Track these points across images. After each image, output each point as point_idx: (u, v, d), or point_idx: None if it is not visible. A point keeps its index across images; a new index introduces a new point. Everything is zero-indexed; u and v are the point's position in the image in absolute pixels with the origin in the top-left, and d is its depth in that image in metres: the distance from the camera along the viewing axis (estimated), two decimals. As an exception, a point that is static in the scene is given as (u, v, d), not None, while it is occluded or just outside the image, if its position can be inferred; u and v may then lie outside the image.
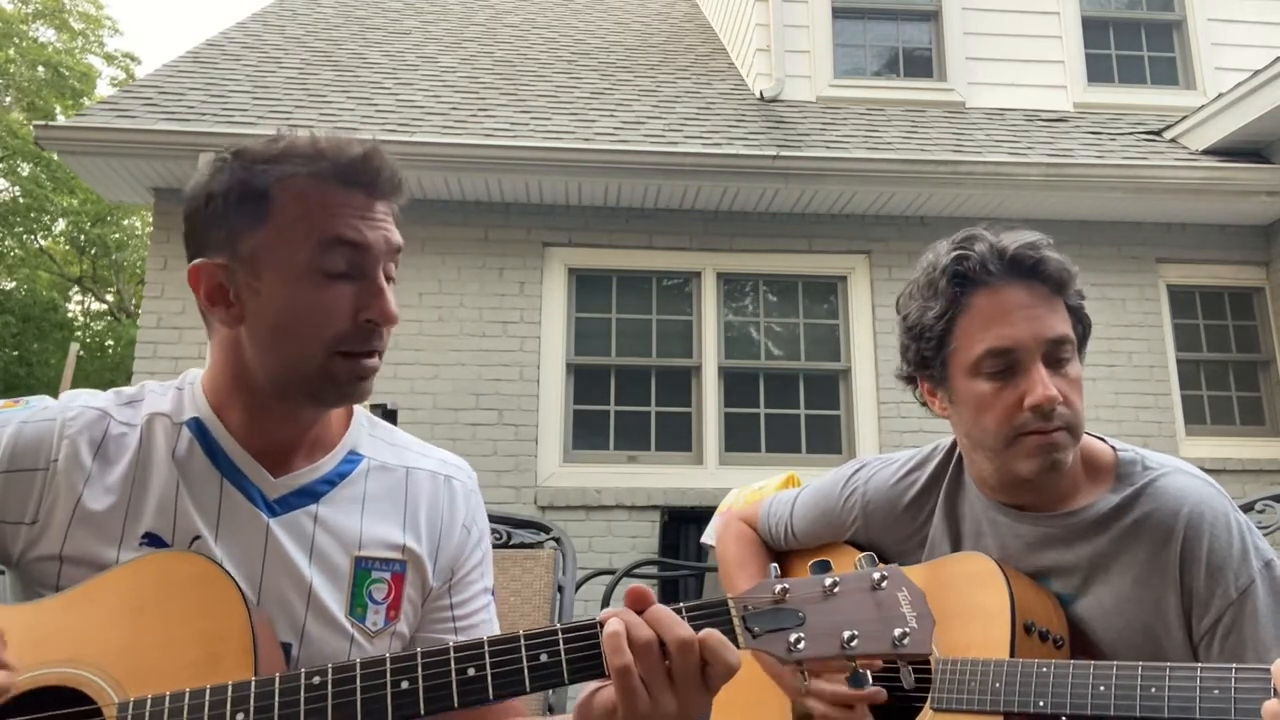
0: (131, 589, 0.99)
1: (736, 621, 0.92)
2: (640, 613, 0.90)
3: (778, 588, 0.93)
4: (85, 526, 1.03)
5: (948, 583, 1.35)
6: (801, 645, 0.90)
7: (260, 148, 1.08)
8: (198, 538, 1.05)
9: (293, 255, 1.03)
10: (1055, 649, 1.25)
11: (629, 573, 4.25)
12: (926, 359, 1.34)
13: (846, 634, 0.90)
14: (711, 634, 0.88)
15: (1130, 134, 6.17)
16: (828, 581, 0.93)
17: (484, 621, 1.22)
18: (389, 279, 1.09)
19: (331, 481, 1.13)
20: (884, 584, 0.93)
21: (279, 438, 1.11)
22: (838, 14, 6.66)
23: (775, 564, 0.97)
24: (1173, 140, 6.09)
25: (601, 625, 0.90)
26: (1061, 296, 1.29)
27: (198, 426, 1.10)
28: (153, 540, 1.05)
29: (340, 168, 1.05)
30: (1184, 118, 6.06)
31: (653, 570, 4.91)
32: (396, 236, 1.10)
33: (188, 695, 0.91)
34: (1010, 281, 1.27)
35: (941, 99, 6.51)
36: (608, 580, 4.24)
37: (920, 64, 6.78)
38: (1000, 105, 6.48)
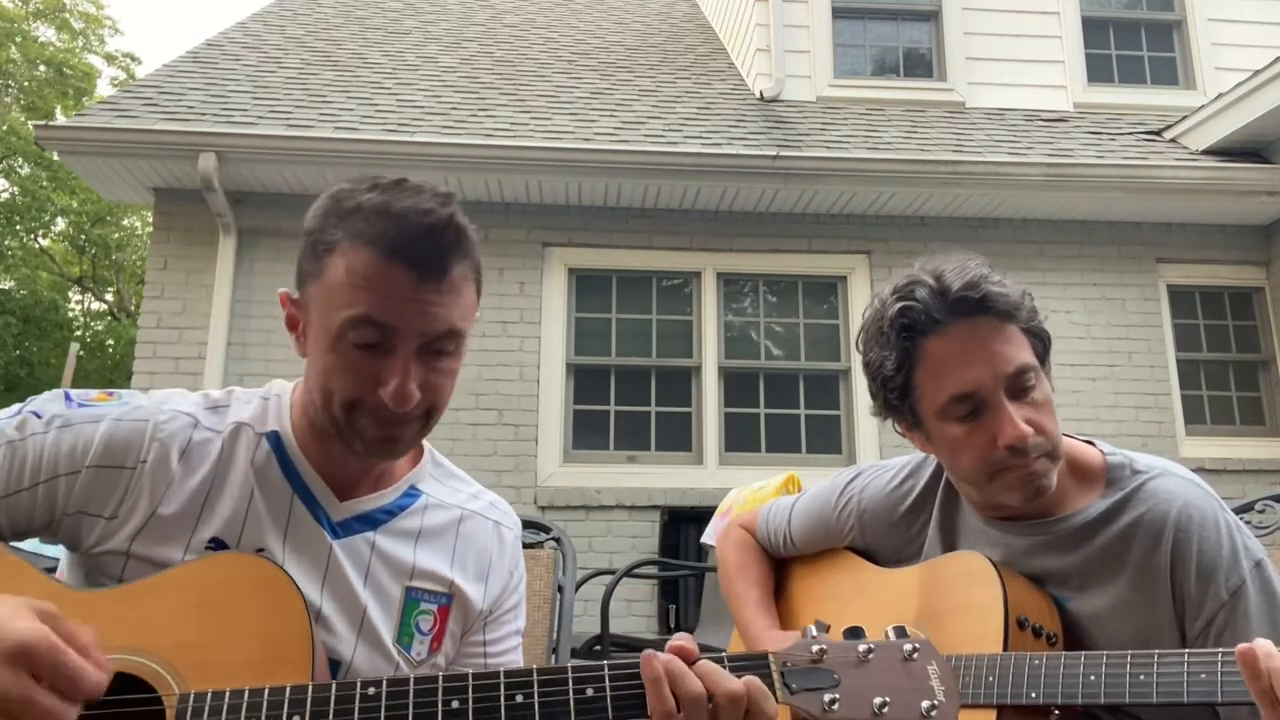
0: (197, 586, 1.01)
1: (776, 676, 0.96)
2: (689, 664, 0.93)
3: (815, 648, 0.97)
4: (157, 528, 1.06)
5: (943, 580, 1.37)
6: (836, 707, 0.94)
7: (349, 195, 1.07)
8: (261, 550, 1.08)
9: (328, 318, 1.05)
10: (1049, 645, 1.26)
11: (629, 573, 4.25)
12: (895, 405, 1.34)
13: (878, 700, 0.94)
14: (754, 683, 0.93)
15: (1130, 134, 6.17)
16: (862, 648, 0.97)
17: (513, 662, 1.26)
18: (440, 352, 1.07)
19: (391, 512, 1.17)
20: (915, 655, 0.97)
21: (345, 467, 1.14)
22: (838, 14, 6.66)
23: (813, 625, 1.00)
24: (1173, 140, 6.09)
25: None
26: (1013, 323, 1.27)
27: (276, 440, 1.13)
28: (218, 546, 1.08)
29: (399, 242, 1.03)
30: (1184, 118, 6.06)
31: (653, 570, 4.91)
32: (443, 320, 1.05)
33: (247, 694, 0.93)
34: (958, 322, 1.26)
35: (941, 99, 6.51)
36: (608, 580, 4.24)
37: (920, 64, 6.78)
38: (1000, 105, 6.48)
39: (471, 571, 1.21)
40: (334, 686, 0.94)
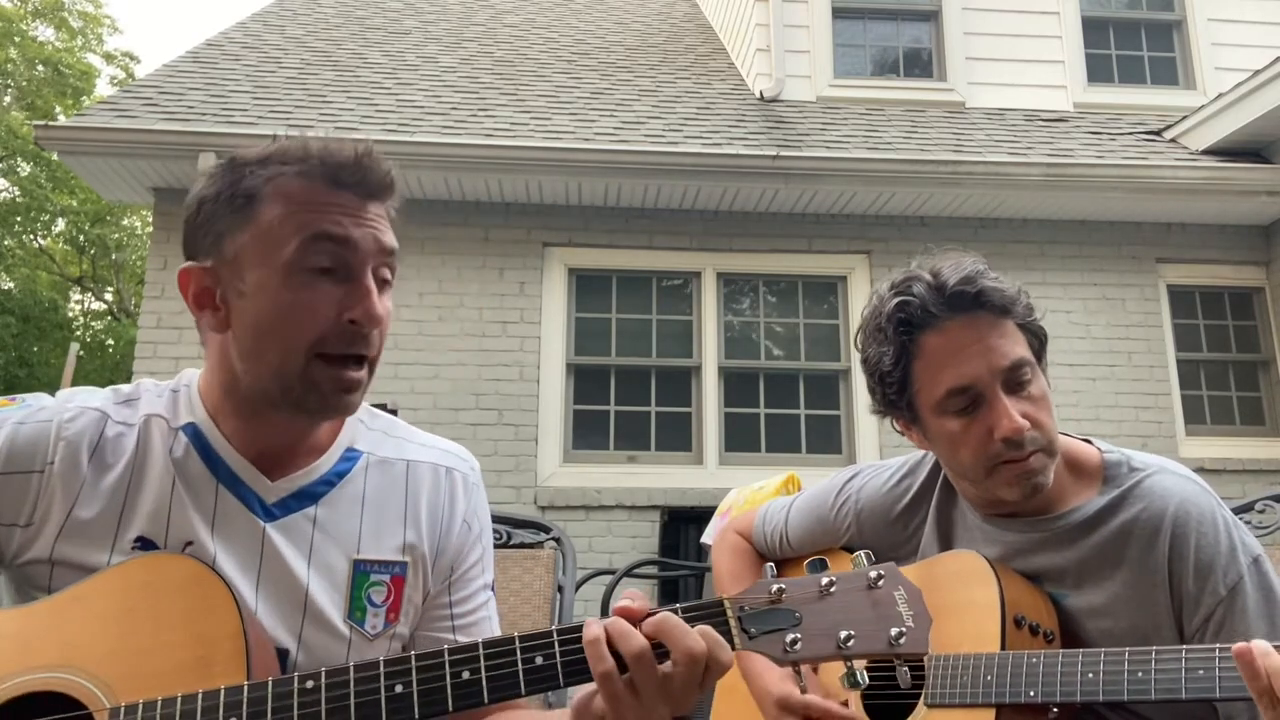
0: (121, 591, 0.98)
1: (733, 623, 0.91)
2: (639, 621, 0.89)
3: (774, 587, 0.92)
4: (77, 531, 1.02)
5: (940, 580, 1.36)
6: (798, 646, 0.89)
7: (253, 152, 1.07)
8: (190, 543, 1.04)
9: (277, 252, 1.02)
10: (1046, 643, 1.26)
11: (629, 573, 4.26)
12: (893, 401, 1.35)
13: (843, 634, 0.89)
14: (707, 633, 0.88)
15: (1130, 134, 6.17)
16: (824, 581, 0.92)
17: (484, 619, 1.20)
18: (382, 281, 1.07)
19: (330, 482, 1.12)
20: (880, 583, 0.93)
21: (274, 443, 1.09)
22: (838, 14, 6.66)
23: (771, 564, 0.97)
24: (1173, 140, 6.09)
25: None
26: (1009, 318, 1.29)
27: (193, 432, 1.09)
28: (145, 545, 1.04)
29: (329, 168, 1.04)
30: (1184, 118, 6.06)
31: (653, 570, 4.91)
32: (388, 238, 1.07)
33: (179, 701, 0.90)
34: (955, 317, 1.27)
35: (941, 99, 6.51)
36: (608, 580, 4.24)
37: (920, 64, 6.79)
38: (1000, 105, 6.48)
39: (425, 530, 1.15)
40: (270, 684, 0.90)
